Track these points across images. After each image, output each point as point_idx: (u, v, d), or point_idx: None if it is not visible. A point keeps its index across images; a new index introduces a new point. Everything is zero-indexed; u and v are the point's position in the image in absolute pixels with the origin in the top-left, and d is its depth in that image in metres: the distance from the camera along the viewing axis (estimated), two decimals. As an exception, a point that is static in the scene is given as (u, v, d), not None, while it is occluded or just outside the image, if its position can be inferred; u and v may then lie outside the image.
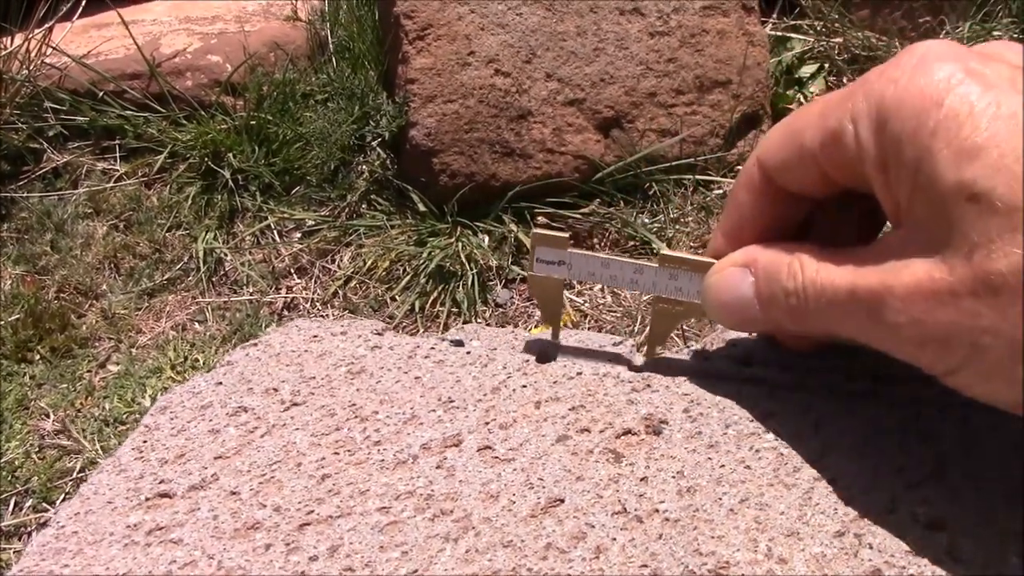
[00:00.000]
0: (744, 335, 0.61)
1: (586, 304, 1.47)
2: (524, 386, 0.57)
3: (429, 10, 1.54)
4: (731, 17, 1.68)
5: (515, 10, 1.56)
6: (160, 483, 0.51)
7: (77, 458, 1.22)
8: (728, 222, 0.52)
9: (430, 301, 1.46)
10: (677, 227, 1.56)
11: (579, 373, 0.58)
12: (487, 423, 0.54)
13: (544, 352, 0.60)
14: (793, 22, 2.00)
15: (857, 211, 0.51)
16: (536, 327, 1.43)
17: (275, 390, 0.58)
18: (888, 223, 0.45)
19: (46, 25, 1.70)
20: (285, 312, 1.48)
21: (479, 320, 1.45)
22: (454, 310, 1.46)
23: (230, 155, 1.60)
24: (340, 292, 1.50)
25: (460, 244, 1.51)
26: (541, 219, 1.57)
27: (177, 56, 1.71)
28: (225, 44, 1.74)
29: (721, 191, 1.64)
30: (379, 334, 0.64)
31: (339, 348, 0.62)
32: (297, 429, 0.54)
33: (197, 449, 0.53)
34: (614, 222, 1.57)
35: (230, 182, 1.58)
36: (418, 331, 1.42)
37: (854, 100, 0.42)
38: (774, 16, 2.01)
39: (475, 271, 1.48)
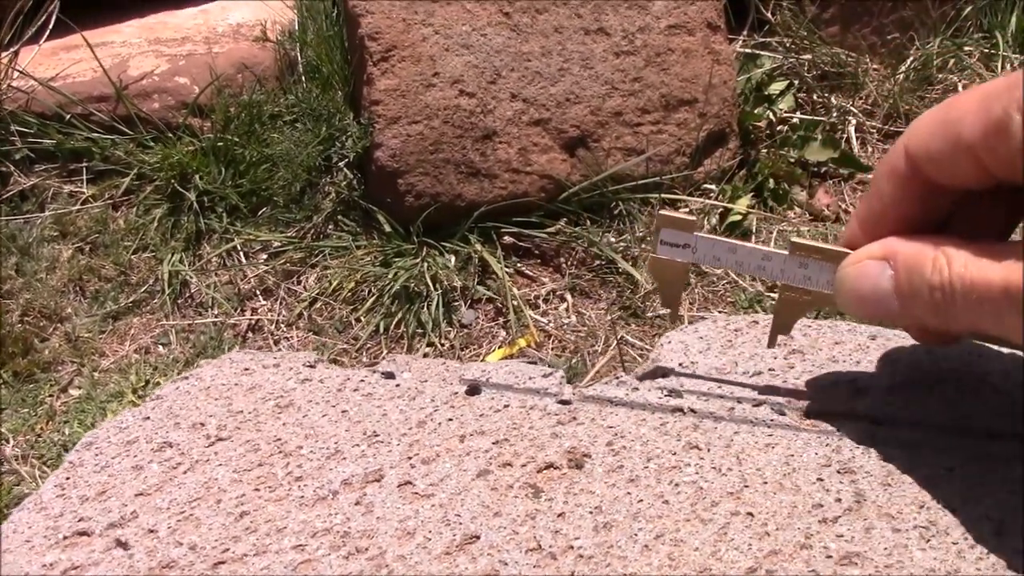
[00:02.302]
0: (672, 364, 0.61)
1: (550, 324, 1.47)
2: (450, 419, 0.57)
3: (393, 32, 1.54)
4: (697, 36, 1.68)
5: (480, 31, 1.57)
6: (79, 521, 0.51)
7: (35, 485, 1.22)
8: (866, 211, 0.51)
9: (395, 322, 1.46)
10: (644, 246, 1.57)
11: (506, 406, 0.58)
12: (410, 458, 0.54)
13: (474, 386, 0.60)
14: (762, 39, 2.00)
15: (1002, 204, 0.49)
16: (499, 348, 1.43)
17: (202, 424, 0.58)
18: None
19: (12, 48, 1.70)
20: (249, 334, 1.48)
21: (444, 341, 1.45)
22: (419, 331, 1.46)
23: (197, 177, 1.60)
24: (305, 314, 1.50)
25: (426, 265, 1.51)
26: (507, 239, 1.58)
27: (144, 78, 1.71)
28: (193, 66, 1.74)
29: (687, 209, 1.64)
30: (311, 366, 0.64)
31: (269, 381, 0.62)
32: (220, 465, 0.54)
33: (119, 486, 0.53)
34: (581, 241, 1.57)
35: (196, 204, 1.58)
36: (382, 352, 1.41)
37: (1022, 89, 0.40)
38: (744, 33, 2.01)
39: (440, 292, 1.48)
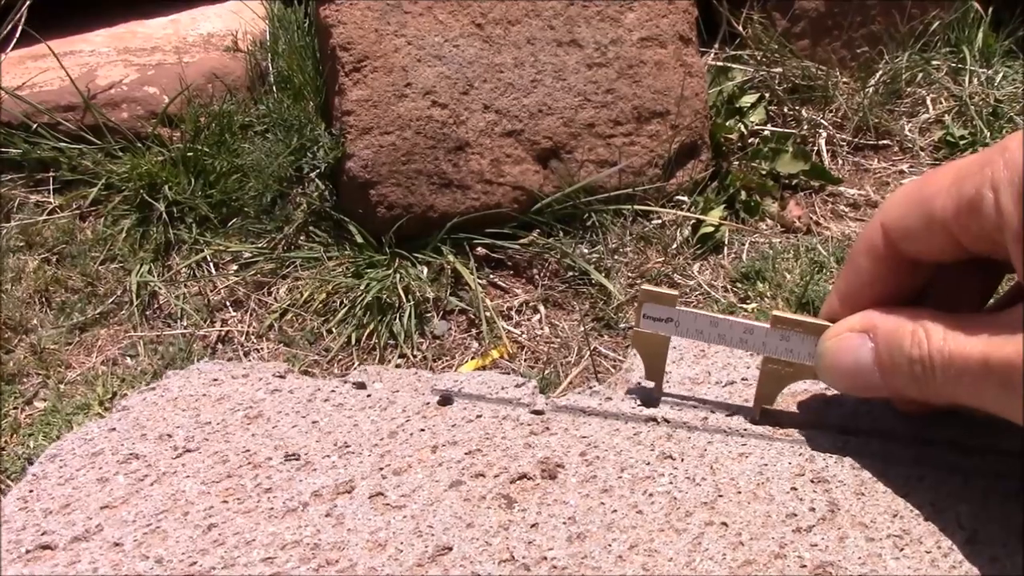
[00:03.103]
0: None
1: (523, 336, 1.47)
2: (422, 430, 0.56)
3: (365, 42, 1.53)
4: (669, 48, 1.69)
5: (452, 42, 1.57)
6: (42, 535, 0.50)
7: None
8: (845, 285, 0.51)
9: (367, 333, 1.45)
10: (616, 257, 1.57)
11: (479, 416, 0.58)
12: (381, 469, 0.53)
13: (446, 396, 0.59)
14: (734, 52, 2.01)
15: (978, 275, 0.50)
16: (472, 360, 1.42)
17: (169, 436, 0.57)
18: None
19: (-22, 57, 1.68)
20: (219, 345, 1.46)
21: (417, 352, 1.44)
22: (391, 342, 1.45)
23: (166, 187, 1.59)
24: (276, 325, 1.48)
25: (398, 276, 1.50)
26: (480, 250, 1.57)
27: (113, 87, 1.69)
28: (162, 75, 1.73)
29: (660, 221, 1.64)
30: (281, 377, 0.63)
31: (238, 392, 0.61)
32: (188, 477, 0.53)
33: (83, 499, 0.52)
34: (553, 253, 1.57)
35: (165, 215, 1.57)
36: (354, 363, 1.40)
37: (993, 167, 0.41)
38: (715, 46, 2.03)
39: (412, 303, 1.47)
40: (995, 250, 0.42)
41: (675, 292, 0.55)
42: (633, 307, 1.50)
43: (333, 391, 0.61)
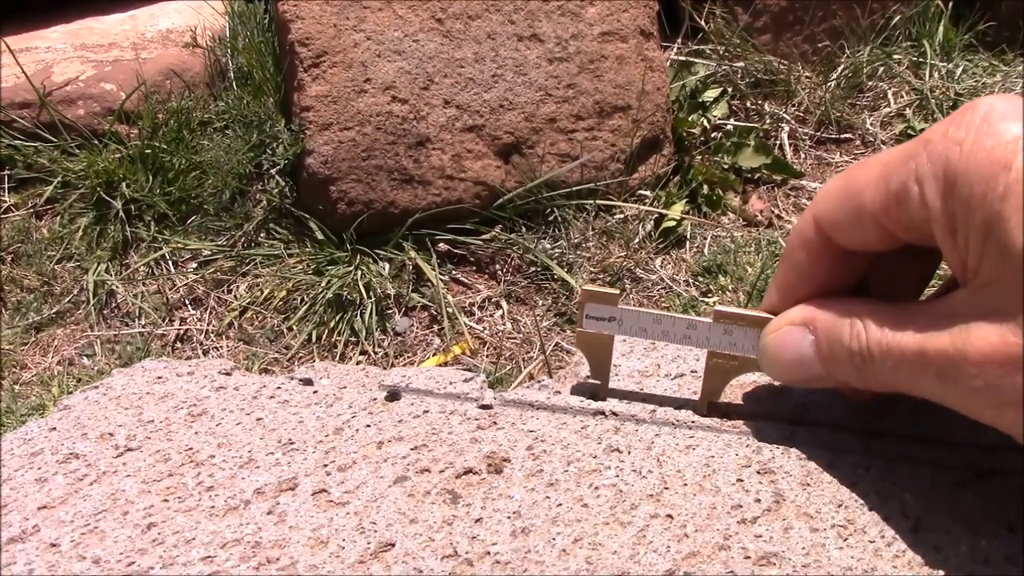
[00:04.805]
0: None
1: (485, 331, 1.46)
2: (368, 426, 0.56)
3: (324, 37, 1.52)
4: (629, 43, 1.69)
5: (412, 37, 1.56)
6: (-23, 537, 0.49)
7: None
8: (783, 279, 0.52)
9: (328, 331, 1.44)
10: (578, 252, 1.56)
11: (425, 411, 0.57)
12: (326, 465, 0.53)
13: (394, 391, 0.59)
14: (696, 47, 2.02)
15: (914, 261, 0.50)
16: (434, 356, 1.41)
17: (110, 435, 0.56)
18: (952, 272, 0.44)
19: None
20: (178, 344, 1.45)
21: (378, 349, 1.43)
22: (352, 339, 1.44)
23: (123, 185, 1.57)
24: (235, 323, 1.47)
25: (359, 272, 1.49)
26: (442, 246, 1.57)
27: (69, 84, 1.67)
28: (119, 72, 1.71)
29: (622, 215, 1.64)
30: (226, 374, 0.62)
31: (183, 390, 0.60)
32: (128, 476, 0.52)
33: (20, 499, 0.51)
34: (516, 248, 1.57)
35: (122, 213, 1.55)
36: (314, 361, 1.39)
37: (917, 161, 0.41)
38: (678, 41, 2.03)
39: (374, 299, 1.47)
40: (927, 239, 0.43)
41: (616, 291, 0.55)
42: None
43: (279, 388, 0.60)
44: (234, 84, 1.77)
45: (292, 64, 1.55)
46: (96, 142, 1.62)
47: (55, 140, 1.63)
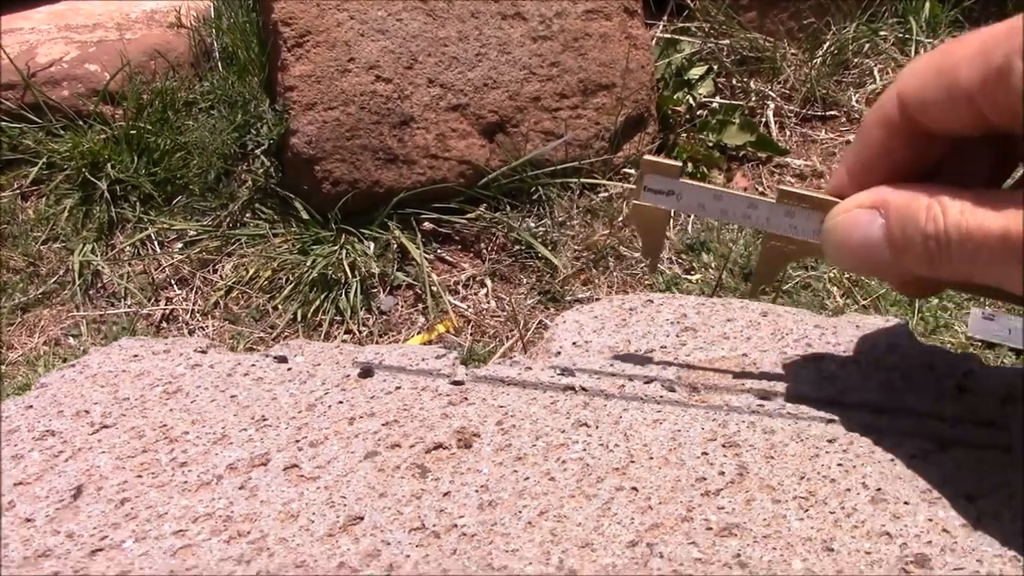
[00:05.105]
0: (566, 343, 0.61)
1: (470, 310, 1.47)
2: (340, 402, 0.57)
3: (307, 16, 1.52)
4: (614, 21, 1.69)
5: (395, 16, 1.56)
6: (-47, 513, 0.50)
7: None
8: (855, 159, 0.49)
9: (313, 310, 1.45)
10: (563, 230, 1.57)
11: (398, 388, 0.58)
12: (298, 441, 0.53)
13: (367, 368, 0.59)
14: (682, 24, 2.02)
15: (994, 151, 0.48)
16: (418, 334, 1.42)
17: (86, 412, 0.57)
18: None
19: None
20: (164, 324, 1.46)
21: (363, 328, 1.44)
22: (337, 318, 1.45)
23: (109, 166, 1.57)
24: (221, 302, 1.48)
25: (344, 252, 1.49)
26: (427, 225, 1.57)
27: (53, 65, 1.67)
28: (104, 52, 1.71)
29: (607, 194, 1.65)
30: (202, 352, 0.63)
31: (158, 367, 0.61)
32: (103, 452, 0.53)
33: (-3, 476, 0.52)
34: (500, 227, 1.57)
35: (108, 193, 1.55)
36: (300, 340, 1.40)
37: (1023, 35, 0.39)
38: (664, 19, 2.03)
39: (359, 278, 1.47)
40: (1020, 123, 0.40)
41: (678, 163, 0.53)
42: (579, 281, 1.50)
43: (254, 365, 0.61)
44: (219, 64, 1.77)
45: (276, 44, 1.55)
46: (81, 123, 1.62)
47: (40, 121, 1.63)
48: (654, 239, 0.55)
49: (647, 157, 0.53)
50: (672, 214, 0.53)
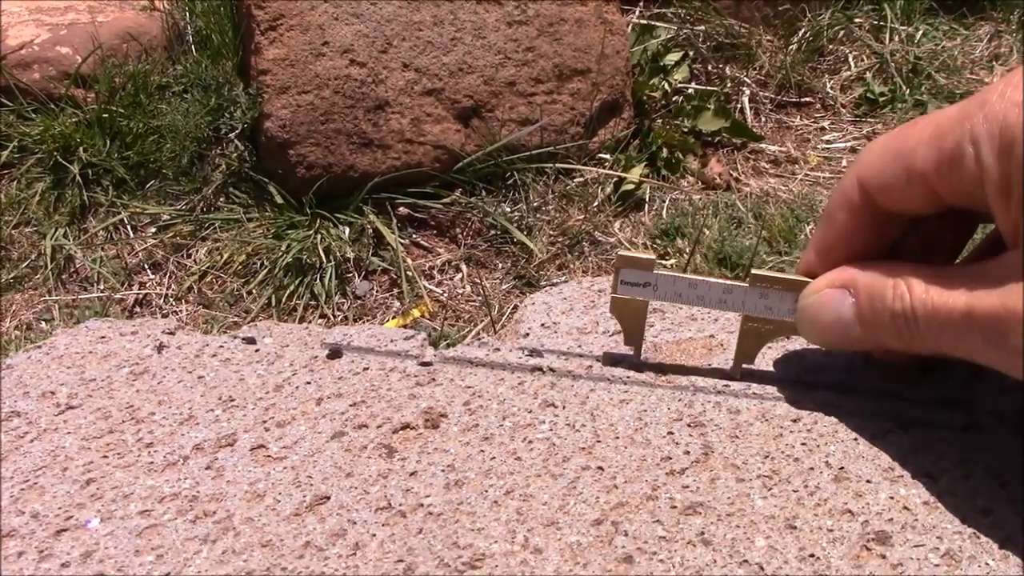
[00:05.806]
0: (535, 325, 0.62)
1: (445, 295, 1.47)
2: (308, 383, 0.57)
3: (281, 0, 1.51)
4: (589, 6, 1.69)
5: (370, 0, 1.55)
6: (-83, 494, 0.49)
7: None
8: (822, 240, 0.51)
9: (287, 294, 1.45)
10: (538, 216, 1.57)
11: (365, 369, 0.58)
12: (265, 422, 0.53)
13: (335, 349, 0.59)
14: (658, 10, 2.02)
15: (952, 226, 0.50)
16: (393, 319, 1.42)
17: (52, 393, 0.56)
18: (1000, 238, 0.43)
19: None
20: (137, 309, 1.45)
21: (338, 312, 1.44)
22: (312, 303, 1.45)
23: (81, 149, 1.56)
24: (195, 287, 1.47)
25: (319, 236, 1.49)
26: (402, 210, 1.57)
27: (24, 48, 1.65)
28: (75, 35, 1.69)
29: (582, 179, 1.65)
30: (170, 333, 0.62)
31: (125, 348, 0.61)
32: (69, 433, 0.53)
33: (-39, 457, 0.52)
34: (476, 212, 1.57)
35: (80, 177, 1.54)
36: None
37: (973, 122, 0.41)
38: (640, 4, 2.03)
39: (333, 263, 1.47)
40: (974, 203, 0.43)
41: (652, 256, 0.55)
42: (554, 266, 1.51)
43: (221, 346, 0.61)
44: (192, 47, 1.76)
45: (249, 27, 1.54)
46: (52, 106, 1.61)
47: (11, 104, 1.61)
48: (635, 328, 0.57)
49: (622, 252, 0.54)
50: (649, 304, 0.55)
